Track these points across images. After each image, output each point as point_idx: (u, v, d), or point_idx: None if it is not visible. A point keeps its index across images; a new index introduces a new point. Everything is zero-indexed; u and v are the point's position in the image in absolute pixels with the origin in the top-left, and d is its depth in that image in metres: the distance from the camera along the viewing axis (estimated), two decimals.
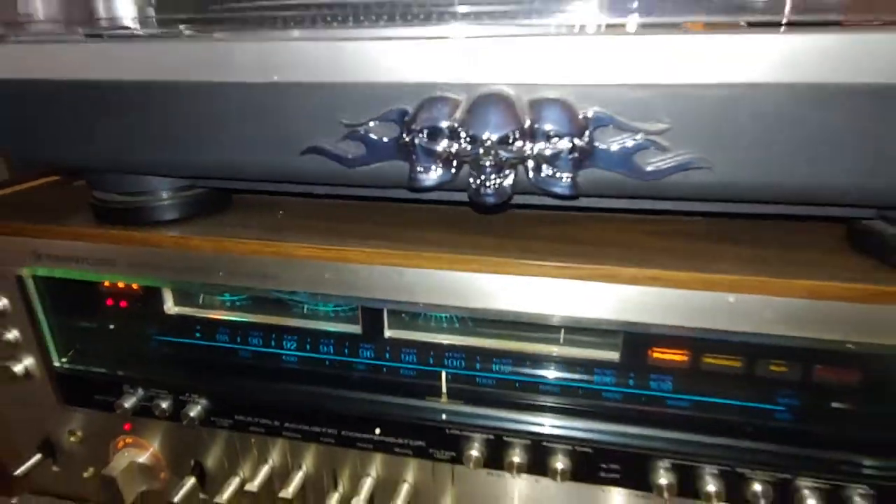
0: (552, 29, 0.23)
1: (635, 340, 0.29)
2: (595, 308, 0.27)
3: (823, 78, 0.20)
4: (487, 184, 0.22)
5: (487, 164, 0.22)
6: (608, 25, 0.22)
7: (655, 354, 0.29)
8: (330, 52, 0.23)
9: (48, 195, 0.40)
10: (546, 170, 0.22)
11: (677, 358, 0.29)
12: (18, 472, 0.37)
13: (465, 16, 0.25)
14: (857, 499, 0.27)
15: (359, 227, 0.32)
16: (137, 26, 0.28)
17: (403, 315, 0.31)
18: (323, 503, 0.34)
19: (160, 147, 0.27)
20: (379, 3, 0.26)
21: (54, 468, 0.39)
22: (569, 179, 0.22)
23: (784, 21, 0.21)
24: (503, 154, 0.21)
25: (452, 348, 0.31)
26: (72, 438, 0.38)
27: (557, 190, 0.22)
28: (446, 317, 0.31)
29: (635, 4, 0.22)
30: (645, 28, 0.22)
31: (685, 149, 0.22)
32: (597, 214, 0.32)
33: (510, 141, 0.22)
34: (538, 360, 0.30)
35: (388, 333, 0.31)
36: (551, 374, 0.30)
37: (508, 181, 0.22)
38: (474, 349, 0.31)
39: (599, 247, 0.29)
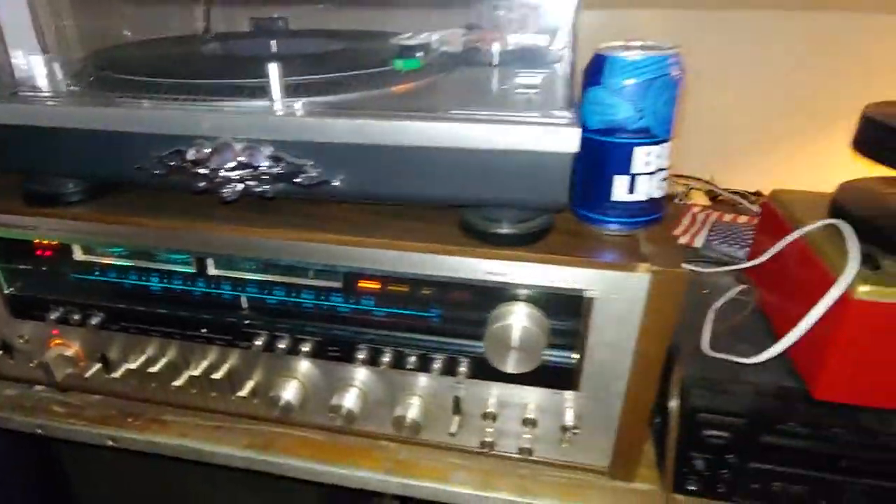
0: (262, 106, 0.43)
1: (348, 276, 0.49)
2: (323, 257, 0.48)
3: (383, 141, 0.40)
4: (224, 192, 0.42)
5: (221, 181, 0.41)
6: (287, 109, 0.42)
7: (361, 284, 0.50)
8: (143, 116, 0.43)
9: None
10: (256, 184, 0.42)
11: (374, 286, 0.49)
12: None
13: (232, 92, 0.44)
14: (462, 364, 0.48)
15: (190, 206, 0.51)
16: (48, 91, 0.47)
17: (219, 260, 0.51)
18: (178, 377, 0.55)
19: (64, 163, 0.47)
20: (198, 84, 0.45)
21: (10, 361, 0.59)
22: (268, 189, 0.42)
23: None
24: (229, 176, 0.41)
25: (250, 281, 0.51)
26: (20, 341, 0.58)
27: (264, 195, 0.43)
28: (245, 262, 0.51)
29: (300, 102, 0.41)
30: (310, 113, 0.41)
31: (326, 173, 0.42)
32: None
33: (233, 170, 0.41)
34: (298, 288, 0.51)
35: (211, 272, 0.52)
36: (306, 295, 0.51)
37: (237, 189, 0.42)
38: (261, 281, 0.51)
39: (326, 221, 0.49)
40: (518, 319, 0.43)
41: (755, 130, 0.90)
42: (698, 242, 0.68)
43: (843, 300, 0.40)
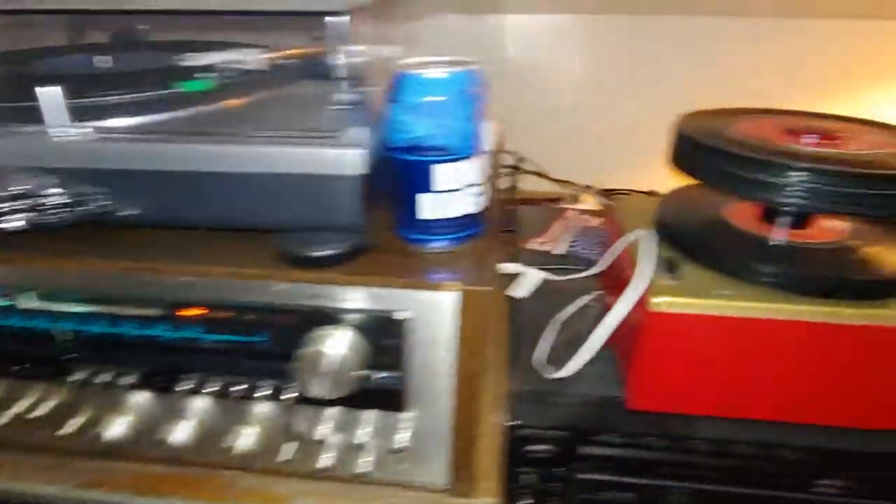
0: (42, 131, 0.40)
1: (170, 305, 0.47)
2: (144, 286, 0.45)
3: (163, 167, 0.38)
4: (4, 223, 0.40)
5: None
6: (68, 134, 0.40)
7: (182, 312, 0.47)
8: None
9: None
10: (40, 215, 0.40)
11: (199, 312, 0.47)
12: None
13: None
14: (293, 389, 0.47)
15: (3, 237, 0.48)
16: None
17: (37, 293, 0.48)
18: (33, 412, 0.51)
19: None
20: None
21: None
22: (58, 220, 0.40)
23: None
24: (6, 208, 0.39)
25: (70, 313, 0.48)
26: None
27: (52, 226, 0.40)
28: (65, 293, 0.48)
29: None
30: (97, 138, 0.39)
31: (114, 201, 0.40)
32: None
33: (11, 200, 0.39)
34: (120, 319, 0.48)
35: (28, 304, 0.49)
36: (127, 325, 0.48)
37: (23, 219, 0.40)
38: (82, 313, 0.48)
39: (144, 248, 0.47)
40: (326, 344, 0.42)
41: (649, 136, 0.92)
42: (560, 249, 0.69)
43: (641, 311, 0.40)
